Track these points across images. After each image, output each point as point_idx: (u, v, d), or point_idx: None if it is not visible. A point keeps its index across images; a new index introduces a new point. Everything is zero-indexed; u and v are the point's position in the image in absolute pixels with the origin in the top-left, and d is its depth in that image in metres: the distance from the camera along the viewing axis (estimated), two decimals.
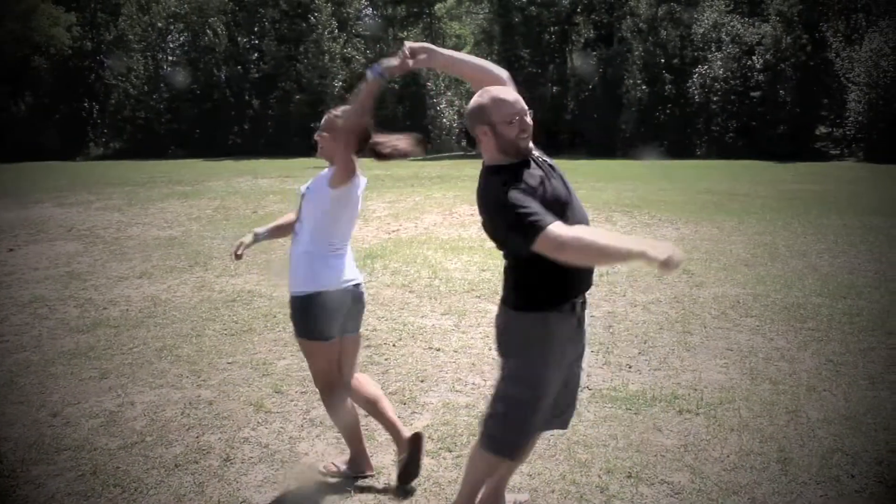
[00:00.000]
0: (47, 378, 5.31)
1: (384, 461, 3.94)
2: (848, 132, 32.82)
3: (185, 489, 3.68)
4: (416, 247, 10.19)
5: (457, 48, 46.71)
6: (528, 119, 2.86)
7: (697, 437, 4.13)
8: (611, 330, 6.26)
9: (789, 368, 5.31)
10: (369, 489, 3.67)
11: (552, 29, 42.48)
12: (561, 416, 3.10)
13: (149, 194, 17.24)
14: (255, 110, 40.64)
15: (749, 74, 34.55)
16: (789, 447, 3.99)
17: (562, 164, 3.10)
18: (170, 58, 44.01)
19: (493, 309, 6.82)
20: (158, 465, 3.93)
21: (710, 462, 3.83)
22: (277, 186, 19.30)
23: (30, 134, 39.57)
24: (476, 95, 2.94)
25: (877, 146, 30.84)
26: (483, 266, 8.78)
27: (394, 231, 11.78)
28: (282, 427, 4.41)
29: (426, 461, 3.89)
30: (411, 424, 4.40)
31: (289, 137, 38.65)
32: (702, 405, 4.60)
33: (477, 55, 39.27)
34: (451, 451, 4.03)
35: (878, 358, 5.56)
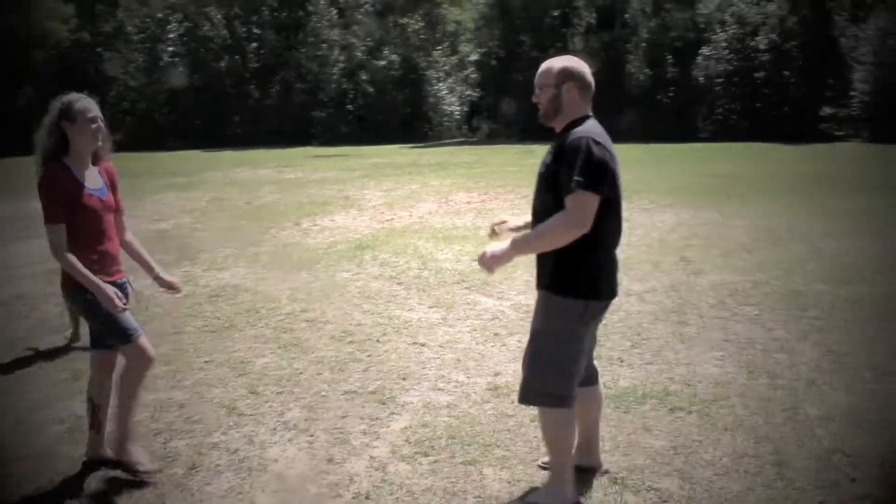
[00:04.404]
0: (15, 381, 5.11)
1: (356, 467, 3.72)
2: (853, 112, 32.34)
3: (144, 501, 3.47)
4: (409, 236, 9.96)
5: (456, 34, 46.42)
6: None
7: (689, 438, 3.91)
8: (603, 322, 6.01)
9: (788, 361, 5.08)
10: (338, 498, 3.46)
11: (553, 13, 41.96)
12: None
13: (144, 186, 16.99)
14: (255, 100, 40.31)
15: (753, 55, 34.06)
16: (786, 448, 3.77)
17: None
18: (169, 48, 43.62)
19: (482, 300, 6.68)
20: (120, 473, 3.72)
21: (702, 466, 3.60)
22: (275, 176, 19.10)
23: (29, 128, 39.13)
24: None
25: (882, 126, 30.38)
26: (474, 256, 8.49)
27: (387, 220, 11.55)
28: (253, 431, 4.20)
29: (401, 467, 3.69)
30: (388, 427, 4.20)
31: (289, 126, 38.39)
32: (695, 402, 4.38)
33: (478, 41, 38.83)
34: (427, 456, 3.81)
35: (882, 348, 5.32)
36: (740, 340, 5.55)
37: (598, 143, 3.02)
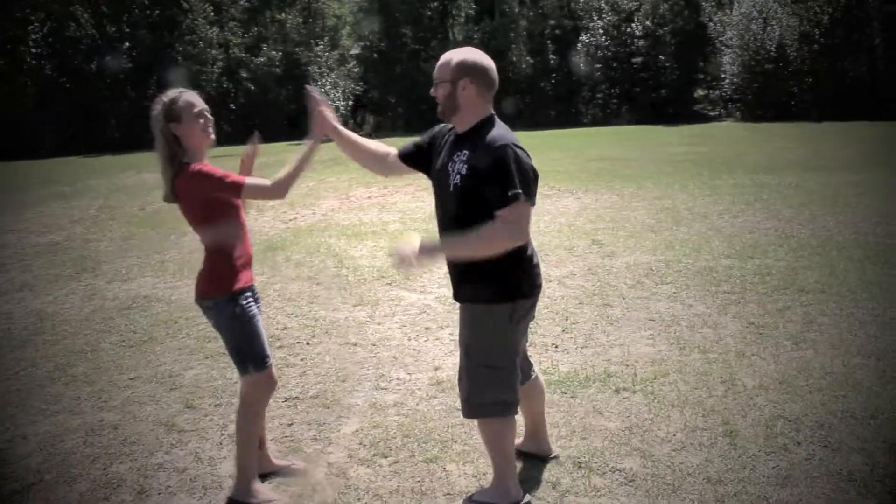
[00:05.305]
0: None
1: (316, 476, 3.64)
2: (725, 93, 33.98)
3: None
4: (317, 235, 9.82)
5: (336, 28, 45.88)
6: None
7: (640, 417, 4.00)
8: None
9: (714, 335, 5.28)
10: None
11: (433, 4, 42.13)
12: None
13: (23, 198, 16.05)
14: (132, 102, 38.74)
15: (630, 41, 35.24)
16: (732, 419, 3.92)
17: None
18: (33, 50, 41.35)
19: (406, 296, 6.64)
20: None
21: (658, 443, 3.70)
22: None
23: None
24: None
25: (752, 106, 32.08)
26: (389, 251, 8.49)
27: (291, 220, 11.34)
28: (198, 447, 4.04)
29: (361, 471, 3.62)
30: (339, 431, 4.12)
31: None
32: (637, 382, 4.49)
33: (357, 34, 38.26)
34: (386, 457, 3.76)
35: (795, 316, 5.60)
36: (664, 318, 5.73)
37: (521, 149, 2.92)
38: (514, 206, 2.85)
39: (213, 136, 3.29)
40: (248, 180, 3.18)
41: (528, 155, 2.94)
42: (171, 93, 3.25)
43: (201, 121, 3.23)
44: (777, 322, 5.49)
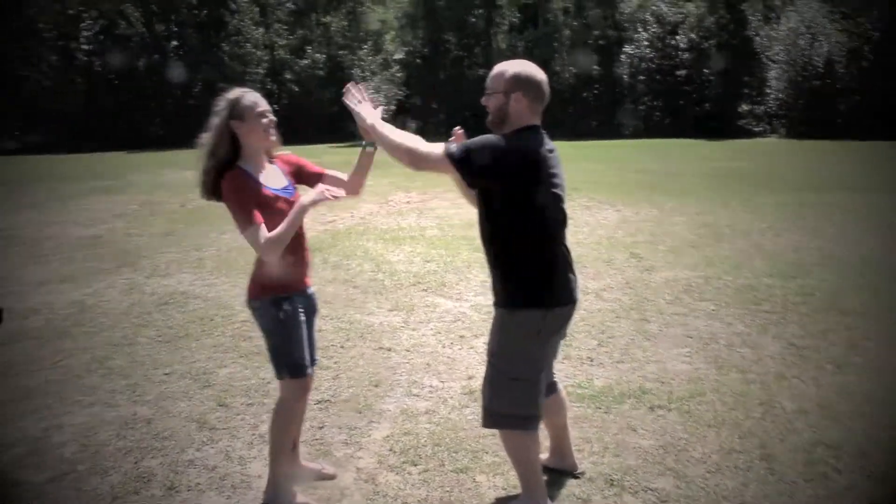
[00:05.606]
0: None
1: (345, 480, 3.62)
2: (769, 109, 33.53)
3: None
4: (355, 238, 9.84)
5: (380, 33, 46.18)
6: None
7: (675, 436, 3.93)
8: None
9: (753, 355, 5.18)
10: None
11: (477, 12, 42.24)
12: None
13: (68, 190, 16.36)
14: (177, 100, 39.32)
15: (674, 54, 34.96)
16: (770, 443, 3.83)
17: None
18: (84, 47, 42.19)
19: (442, 302, 6.61)
20: (94, 498, 3.53)
21: (693, 464, 3.63)
22: None
23: None
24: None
25: (797, 122, 31.61)
26: (427, 257, 8.48)
27: (329, 222, 11.38)
28: (229, 445, 4.05)
29: (391, 478, 3.60)
30: (369, 436, 4.10)
31: None
32: (673, 399, 4.41)
33: (401, 40, 38.48)
34: (416, 465, 3.73)
35: (838, 340, 5.48)
36: (703, 336, 5.63)
37: (505, 145, 2.91)
38: (442, 154, 2.91)
39: (274, 138, 3.26)
40: (255, 227, 3.07)
41: (506, 151, 2.91)
42: (236, 91, 3.24)
43: (263, 121, 3.20)
44: (819, 344, 5.37)
